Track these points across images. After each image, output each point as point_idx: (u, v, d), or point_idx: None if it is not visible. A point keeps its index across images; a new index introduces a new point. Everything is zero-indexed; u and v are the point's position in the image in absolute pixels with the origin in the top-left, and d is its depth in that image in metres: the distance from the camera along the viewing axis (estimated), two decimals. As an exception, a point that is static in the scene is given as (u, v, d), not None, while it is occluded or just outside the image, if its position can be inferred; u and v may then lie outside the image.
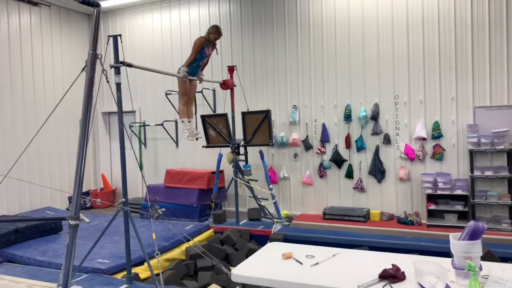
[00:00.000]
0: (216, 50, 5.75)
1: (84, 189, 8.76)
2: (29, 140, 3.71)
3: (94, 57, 2.61)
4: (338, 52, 7.08)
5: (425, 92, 6.54)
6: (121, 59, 4.06)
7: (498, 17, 6.09)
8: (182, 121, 5.70)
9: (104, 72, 3.23)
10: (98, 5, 2.65)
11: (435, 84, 6.47)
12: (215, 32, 5.51)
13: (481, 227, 2.44)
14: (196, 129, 5.96)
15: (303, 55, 7.34)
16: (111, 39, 4.08)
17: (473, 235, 2.43)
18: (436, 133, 6.41)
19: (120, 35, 4.15)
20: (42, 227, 5.84)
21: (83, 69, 2.67)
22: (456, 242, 2.45)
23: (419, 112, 6.58)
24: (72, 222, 2.41)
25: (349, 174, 7.02)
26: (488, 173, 5.96)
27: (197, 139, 5.90)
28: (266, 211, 6.61)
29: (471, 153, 6.11)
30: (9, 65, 7.55)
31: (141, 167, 7.05)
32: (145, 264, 4.50)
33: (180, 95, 5.73)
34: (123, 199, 4.10)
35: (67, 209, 8.20)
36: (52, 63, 8.37)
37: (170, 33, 8.47)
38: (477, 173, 6.03)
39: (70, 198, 8.33)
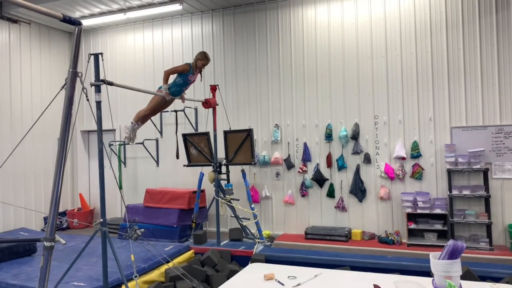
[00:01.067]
0: (201, 76, 5.65)
1: (61, 209, 8.54)
2: (4, 158, 3.61)
3: (74, 75, 2.58)
4: (319, 72, 7.21)
5: (403, 112, 6.69)
6: (102, 77, 4.03)
7: (471, 41, 6.34)
8: (132, 123, 5.47)
9: (84, 90, 3.19)
10: (79, 24, 2.64)
11: (413, 105, 6.63)
12: (203, 58, 5.37)
13: (460, 246, 2.46)
14: (178, 150, 5.79)
15: (285, 75, 7.44)
16: (92, 57, 4.06)
17: (453, 254, 2.45)
18: (415, 152, 6.53)
19: (101, 54, 4.14)
20: (15, 249, 5.63)
21: (63, 87, 2.63)
22: (436, 261, 2.46)
23: (398, 132, 6.71)
24: (47, 244, 2.33)
25: (331, 193, 7.05)
26: (466, 192, 6.08)
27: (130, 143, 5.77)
28: (248, 231, 6.54)
29: (449, 173, 6.23)
30: (-14, 82, 7.42)
31: (120, 187, 6.91)
32: (123, 286, 4.37)
33: (148, 108, 5.52)
34: (101, 220, 4.01)
35: (42, 230, 7.95)
36: (31, 81, 8.24)
37: (152, 52, 8.48)
38: (455, 192, 6.14)
39: (45, 219, 8.09)
